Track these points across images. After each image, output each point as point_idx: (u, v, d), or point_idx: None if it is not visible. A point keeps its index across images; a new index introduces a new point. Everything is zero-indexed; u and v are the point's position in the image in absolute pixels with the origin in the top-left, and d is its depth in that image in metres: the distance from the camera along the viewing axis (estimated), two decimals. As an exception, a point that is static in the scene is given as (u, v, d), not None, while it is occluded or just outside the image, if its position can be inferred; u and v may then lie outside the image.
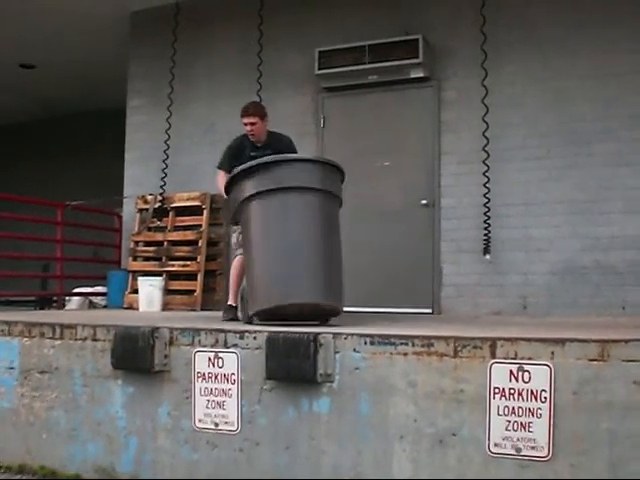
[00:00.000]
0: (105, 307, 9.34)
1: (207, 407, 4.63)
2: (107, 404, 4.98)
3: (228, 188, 5.47)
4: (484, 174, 7.55)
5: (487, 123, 7.57)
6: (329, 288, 5.18)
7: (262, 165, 5.27)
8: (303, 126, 8.54)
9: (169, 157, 9.14)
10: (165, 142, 9.17)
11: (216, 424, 4.60)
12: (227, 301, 6.25)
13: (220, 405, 4.59)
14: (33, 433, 5.24)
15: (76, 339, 5.15)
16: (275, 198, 5.14)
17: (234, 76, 9.04)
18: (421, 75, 7.84)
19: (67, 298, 10.16)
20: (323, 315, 5.23)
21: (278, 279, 5.07)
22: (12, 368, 5.37)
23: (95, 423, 5.01)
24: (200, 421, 4.64)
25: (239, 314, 5.59)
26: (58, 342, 5.22)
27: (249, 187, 5.23)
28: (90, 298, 10.13)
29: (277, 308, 5.00)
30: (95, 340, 5.08)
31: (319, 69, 8.19)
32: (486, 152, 7.55)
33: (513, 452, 3.83)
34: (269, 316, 5.08)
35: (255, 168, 5.27)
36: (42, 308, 10.68)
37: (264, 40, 8.73)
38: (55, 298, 10.53)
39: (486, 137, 7.57)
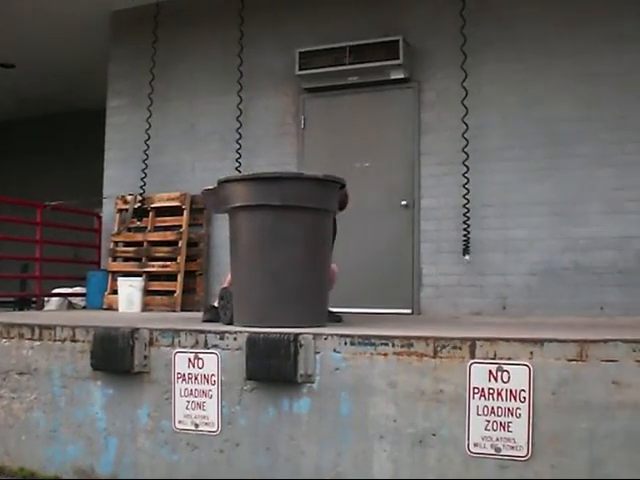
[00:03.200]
0: (84, 308, 9.30)
1: (187, 408, 4.61)
2: (87, 405, 4.96)
3: (220, 183, 5.35)
4: (464, 175, 7.58)
5: (466, 124, 7.61)
6: (318, 311, 5.16)
7: (262, 178, 5.18)
8: (283, 126, 8.56)
9: (149, 157, 9.11)
10: (145, 142, 9.13)
11: (196, 425, 4.58)
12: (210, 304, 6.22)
13: (200, 406, 4.58)
14: (12, 434, 5.20)
15: (55, 340, 5.12)
16: (272, 214, 4.98)
17: (215, 76, 9.03)
18: (401, 76, 7.87)
19: (46, 299, 10.10)
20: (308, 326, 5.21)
21: (270, 301, 5.00)
22: (-10, 369, 5.33)
23: (75, 424, 4.98)
24: (180, 422, 4.63)
25: (220, 315, 5.57)
26: (37, 343, 5.18)
27: (245, 196, 5.08)
28: (69, 299, 10.08)
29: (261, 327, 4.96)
30: (74, 341, 5.05)
31: (300, 70, 8.19)
32: (466, 153, 7.59)
33: (493, 452, 3.85)
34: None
35: (254, 179, 5.20)
36: (21, 309, 10.61)
37: (245, 40, 8.72)
38: (34, 299, 10.46)
39: (465, 138, 7.60)
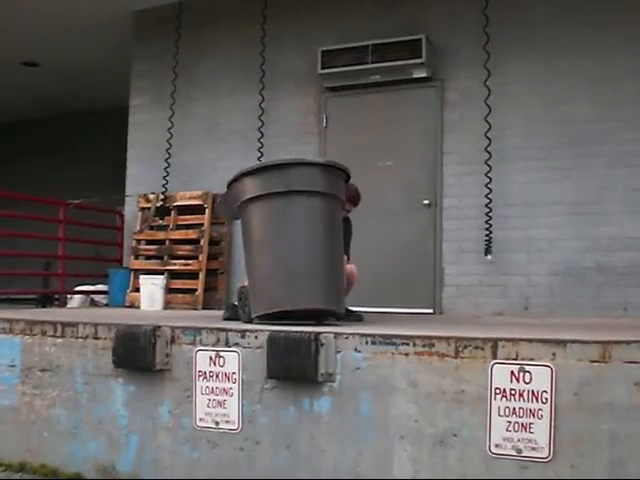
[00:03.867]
0: (106, 305, 9.35)
1: (208, 406, 4.63)
2: (108, 402, 4.99)
3: (230, 184, 5.45)
4: (486, 174, 7.55)
5: (489, 123, 7.58)
6: (331, 293, 5.16)
7: (266, 167, 5.26)
8: (305, 126, 8.56)
9: (171, 156, 9.15)
10: (167, 141, 9.17)
11: (217, 423, 4.60)
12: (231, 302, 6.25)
13: (221, 404, 4.59)
14: (34, 431, 5.24)
15: (77, 337, 5.15)
16: (279, 201, 5.09)
17: (237, 75, 9.05)
18: (424, 75, 7.84)
19: (69, 296, 10.19)
20: (327, 317, 5.25)
21: (280, 284, 5.05)
22: (13, 366, 5.37)
23: (96, 421, 5.01)
24: (201, 420, 4.65)
25: (239, 313, 5.58)
26: (59, 340, 5.22)
27: (252, 188, 5.19)
28: (92, 296, 10.16)
29: (280, 313, 5.00)
30: (96, 338, 5.08)
31: (322, 68, 8.19)
32: (488, 152, 7.56)
33: (514, 453, 3.83)
34: (272, 318, 5.08)
35: (259, 170, 5.25)
36: (44, 306, 10.68)
37: (267, 39, 8.73)
38: (57, 296, 10.55)
39: (488, 137, 7.57)
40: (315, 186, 5.14)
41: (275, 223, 5.14)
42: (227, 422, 4.57)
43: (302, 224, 5.12)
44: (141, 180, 9.45)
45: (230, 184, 5.42)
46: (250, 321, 5.25)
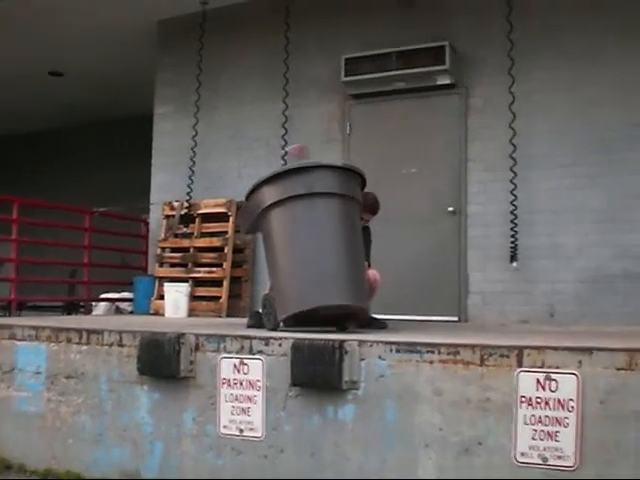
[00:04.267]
0: (131, 313, 9.39)
1: (232, 413, 4.63)
2: (133, 409, 5.01)
3: (248, 197, 5.55)
4: (511, 181, 7.50)
5: (514, 130, 7.53)
6: (359, 292, 5.23)
7: (286, 172, 5.36)
8: (329, 133, 8.57)
9: (195, 164, 9.18)
10: (191, 149, 9.21)
11: (241, 430, 4.60)
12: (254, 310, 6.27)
13: (245, 411, 4.59)
14: (59, 438, 5.27)
15: (102, 344, 5.18)
16: (300, 204, 5.20)
17: (260, 83, 9.07)
18: (448, 82, 7.82)
19: (94, 304, 10.25)
20: (352, 319, 5.28)
21: (310, 283, 5.10)
22: (39, 373, 5.41)
23: (121, 428, 5.03)
24: (225, 427, 4.65)
25: (264, 321, 5.59)
26: (85, 347, 5.25)
27: (273, 194, 5.28)
28: (117, 304, 10.21)
29: (309, 312, 5.02)
30: (121, 346, 5.10)
31: (345, 76, 8.18)
32: (513, 159, 7.51)
33: (539, 461, 3.80)
34: (299, 321, 5.10)
35: (279, 175, 5.34)
36: (69, 313, 10.78)
37: (290, 47, 8.75)
38: (82, 304, 10.63)
39: (513, 144, 7.52)
40: (334, 188, 5.27)
41: (299, 225, 5.24)
42: (251, 430, 4.57)
43: (325, 225, 5.23)
44: (166, 188, 9.50)
45: (248, 196, 5.52)
46: (275, 328, 5.27)
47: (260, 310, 5.85)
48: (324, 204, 5.24)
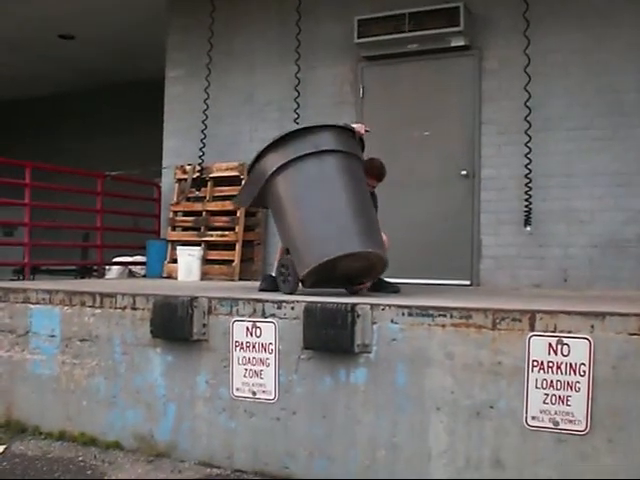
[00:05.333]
0: (144, 276, 9.43)
1: (245, 376, 4.66)
2: (146, 372, 5.05)
3: (250, 169, 5.66)
4: (525, 144, 7.44)
5: (529, 92, 7.46)
6: (376, 240, 5.29)
7: (287, 136, 5.42)
8: (342, 95, 8.50)
9: (207, 127, 9.14)
10: (204, 112, 9.17)
11: (254, 393, 4.63)
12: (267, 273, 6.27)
13: (258, 374, 4.62)
14: (73, 400, 5.33)
15: (116, 308, 5.21)
16: (308, 162, 5.31)
17: (272, 45, 8.99)
18: (462, 44, 7.72)
19: (107, 267, 10.30)
20: (371, 273, 5.37)
21: (329, 235, 5.14)
22: (53, 336, 5.45)
23: (134, 390, 5.08)
24: (238, 390, 4.68)
25: (279, 284, 5.58)
26: (98, 311, 5.28)
27: (277, 159, 5.37)
28: (130, 267, 10.25)
29: (329, 266, 5.04)
30: (134, 309, 5.13)
31: (358, 38, 8.09)
32: (527, 122, 7.44)
33: (550, 425, 3.81)
34: (318, 279, 5.13)
35: (280, 140, 5.42)
36: (82, 277, 10.84)
37: (302, 8, 8.65)
38: (95, 267, 10.68)
39: (528, 107, 7.45)
40: (339, 146, 5.41)
41: (310, 183, 5.33)
42: (264, 392, 4.60)
43: (336, 180, 5.33)
44: (178, 152, 9.47)
45: (251, 167, 5.63)
46: (293, 292, 5.28)
47: (273, 274, 5.85)
48: (332, 160, 5.36)
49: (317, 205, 5.25)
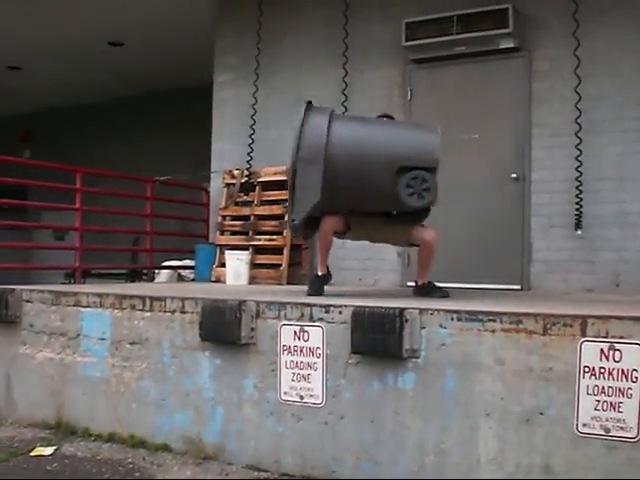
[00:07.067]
0: (193, 280, 9.50)
1: (292, 380, 4.66)
2: (195, 375, 5.08)
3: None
4: (576, 147, 7.33)
5: (579, 94, 7.35)
6: None
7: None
8: (390, 99, 8.46)
9: (255, 132, 9.19)
10: (251, 117, 9.22)
11: (301, 397, 4.63)
12: (314, 274, 6.24)
13: (305, 378, 4.62)
14: (123, 402, 5.38)
15: (165, 311, 5.26)
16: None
17: (320, 49, 9.00)
18: (511, 45, 7.64)
19: (156, 271, 10.39)
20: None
21: None
22: (104, 339, 5.52)
23: (183, 393, 5.12)
24: (285, 393, 4.69)
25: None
26: (148, 314, 5.33)
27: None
28: (179, 271, 10.33)
29: None
30: (184, 312, 5.17)
31: (406, 41, 8.06)
32: (579, 124, 7.33)
33: (602, 432, 3.75)
34: None
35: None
36: (132, 281, 10.97)
37: (350, 12, 8.65)
38: (145, 271, 10.79)
39: (579, 109, 7.34)
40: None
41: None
42: (311, 396, 4.60)
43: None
44: (226, 156, 9.53)
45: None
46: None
47: (319, 273, 5.87)
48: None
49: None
